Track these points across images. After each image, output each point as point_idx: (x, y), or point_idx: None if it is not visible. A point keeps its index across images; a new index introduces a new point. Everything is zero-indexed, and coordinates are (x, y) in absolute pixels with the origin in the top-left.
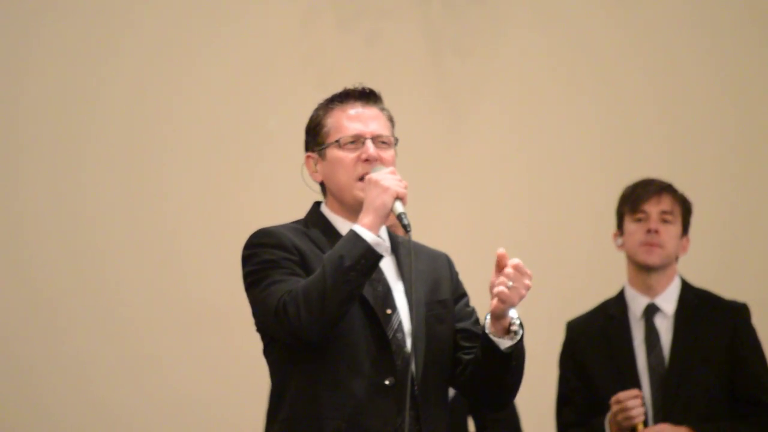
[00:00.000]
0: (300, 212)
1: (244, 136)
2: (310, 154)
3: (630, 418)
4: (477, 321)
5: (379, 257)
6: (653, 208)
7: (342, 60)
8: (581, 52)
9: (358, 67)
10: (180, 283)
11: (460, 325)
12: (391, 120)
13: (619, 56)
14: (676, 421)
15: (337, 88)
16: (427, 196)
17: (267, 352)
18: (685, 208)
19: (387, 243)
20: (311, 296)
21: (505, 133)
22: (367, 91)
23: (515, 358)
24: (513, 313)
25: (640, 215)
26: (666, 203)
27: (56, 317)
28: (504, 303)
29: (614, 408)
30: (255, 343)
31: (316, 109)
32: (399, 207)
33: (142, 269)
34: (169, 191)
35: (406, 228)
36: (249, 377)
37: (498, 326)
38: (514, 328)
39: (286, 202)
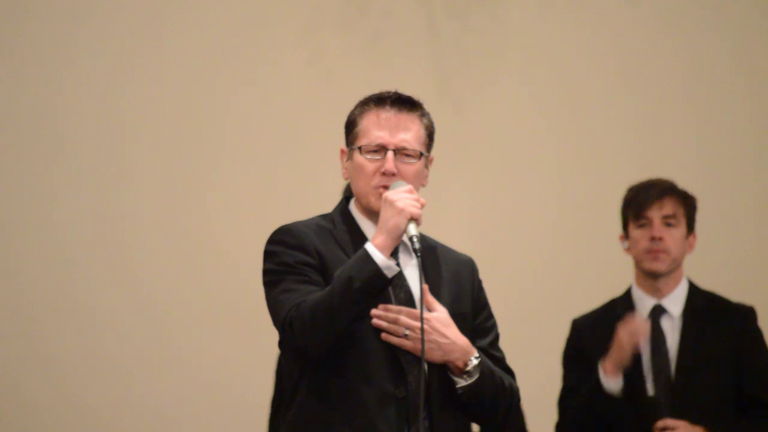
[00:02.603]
0: (313, 209)
1: (248, 135)
2: (344, 149)
3: None
4: (496, 339)
5: (388, 282)
6: (655, 213)
7: (346, 59)
8: (584, 49)
9: (362, 66)
10: (199, 280)
11: (477, 343)
12: (429, 129)
13: (621, 55)
14: (687, 421)
15: (341, 88)
16: (431, 194)
17: (282, 348)
18: (688, 207)
19: (402, 265)
20: (317, 315)
21: (508, 131)
22: (405, 98)
23: (473, 398)
24: (473, 355)
25: (643, 221)
26: (668, 207)
27: (88, 314)
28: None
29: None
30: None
31: (355, 107)
32: (412, 229)
33: (171, 264)
34: (179, 191)
35: (416, 252)
36: (268, 373)
37: (453, 365)
38: (468, 369)
39: (296, 200)
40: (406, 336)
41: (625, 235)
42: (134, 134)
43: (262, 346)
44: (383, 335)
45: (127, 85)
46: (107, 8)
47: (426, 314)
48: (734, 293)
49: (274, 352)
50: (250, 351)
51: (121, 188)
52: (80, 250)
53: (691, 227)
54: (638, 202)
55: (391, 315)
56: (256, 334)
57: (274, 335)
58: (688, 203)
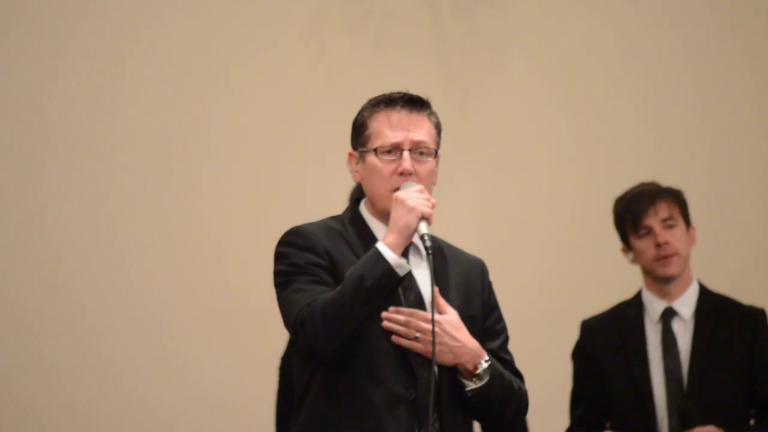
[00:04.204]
0: (316, 210)
1: (251, 135)
2: (352, 152)
3: None
4: (505, 342)
5: (400, 280)
6: (653, 220)
7: (350, 60)
8: (589, 50)
9: (367, 68)
10: (195, 282)
11: (486, 345)
12: (437, 127)
13: (626, 54)
14: (695, 424)
15: (346, 89)
16: (436, 194)
17: (294, 348)
18: (680, 203)
19: (411, 265)
20: (328, 314)
21: (513, 131)
22: (415, 98)
23: (482, 401)
24: (483, 358)
25: (643, 231)
26: (663, 210)
27: (83, 316)
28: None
29: None
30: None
31: (363, 108)
32: (423, 228)
33: (167, 267)
34: (178, 193)
35: (427, 250)
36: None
37: (462, 368)
38: (478, 372)
39: (299, 201)
40: (416, 339)
41: (627, 247)
42: (133, 134)
43: (259, 348)
44: (393, 338)
45: (126, 86)
46: (106, 6)
47: (437, 317)
48: (743, 295)
49: (273, 353)
50: (248, 353)
51: (118, 189)
52: (75, 252)
53: (688, 221)
54: (633, 213)
55: (401, 317)
56: (253, 335)
57: (271, 337)
58: (679, 200)
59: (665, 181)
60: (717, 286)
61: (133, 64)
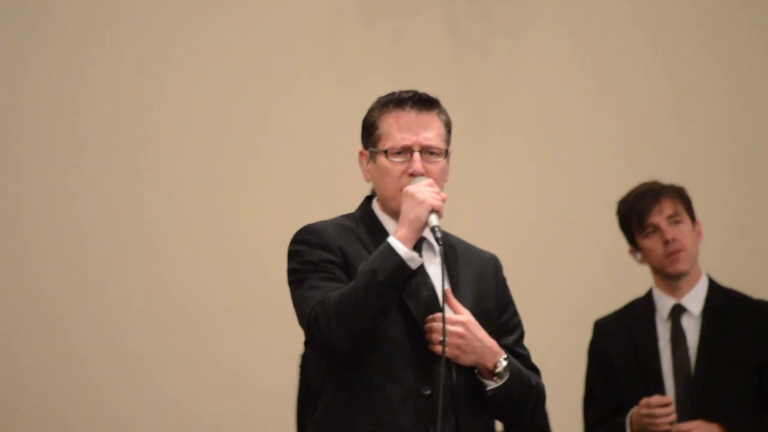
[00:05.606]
0: (335, 208)
1: (268, 136)
2: (362, 151)
3: (655, 424)
4: (521, 337)
5: (412, 273)
6: (659, 218)
7: (367, 58)
8: (605, 50)
9: (383, 66)
10: (223, 278)
11: (502, 341)
12: (447, 125)
13: (642, 55)
14: (705, 420)
15: (362, 87)
16: (452, 194)
17: (309, 347)
18: (684, 199)
19: (425, 257)
20: (342, 309)
21: (529, 131)
22: (425, 98)
23: (503, 399)
24: (502, 356)
25: (649, 229)
26: (668, 207)
27: (112, 313)
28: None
29: (643, 411)
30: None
31: (372, 108)
32: (433, 220)
33: (196, 265)
34: (201, 191)
35: (437, 242)
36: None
37: (483, 367)
38: (498, 370)
39: (318, 200)
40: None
41: (635, 248)
42: (159, 135)
43: (287, 344)
44: (430, 346)
45: (152, 88)
46: (130, 11)
47: (461, 318)
48: (754, 290)
49: (300, 350)
50: (276, 349)
51: (147, 188)
52: (105, 248)
53: (693, 217)
54: (638, 213)
55: (438, 324)
56: (281, 333)
57: (299, 334)
58: (682, 196)
59: (688, 179)
60: (729, 281)
61: (155, 68)
